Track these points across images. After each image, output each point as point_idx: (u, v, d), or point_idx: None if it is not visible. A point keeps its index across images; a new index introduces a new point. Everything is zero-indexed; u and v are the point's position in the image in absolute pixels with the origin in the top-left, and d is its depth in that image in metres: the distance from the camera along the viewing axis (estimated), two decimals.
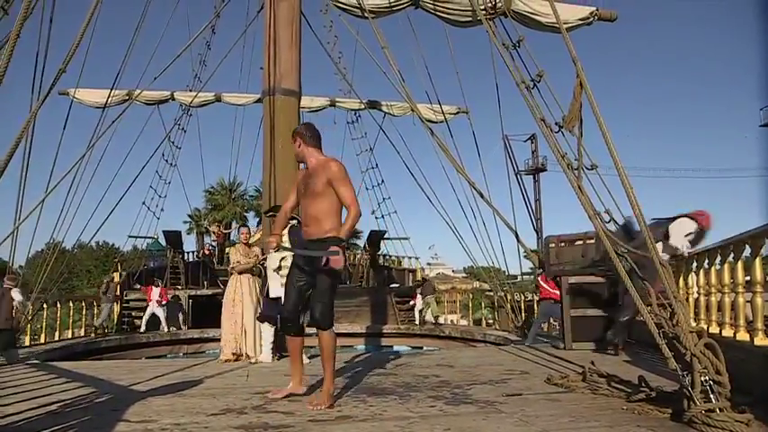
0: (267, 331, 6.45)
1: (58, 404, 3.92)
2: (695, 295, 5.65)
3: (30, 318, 11.69)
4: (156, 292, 15.14)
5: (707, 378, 2.94)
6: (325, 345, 3.73)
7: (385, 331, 15.97)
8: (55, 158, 11.20)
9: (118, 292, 14.42)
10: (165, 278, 17.81)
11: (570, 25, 8.20)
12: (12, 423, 3.31)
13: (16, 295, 9.06)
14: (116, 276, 15.77)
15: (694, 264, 5.94)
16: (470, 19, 8.66)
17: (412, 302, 16.49)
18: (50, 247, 15.18)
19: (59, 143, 11.66)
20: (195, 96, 17.11)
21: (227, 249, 21.66)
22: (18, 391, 4.51)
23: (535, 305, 13.59)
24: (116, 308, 16.15)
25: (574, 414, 3.32)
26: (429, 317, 16.38)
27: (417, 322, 16.09)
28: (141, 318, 15.22)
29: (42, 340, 12.71)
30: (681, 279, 6.15)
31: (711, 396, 2.91)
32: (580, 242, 7.58)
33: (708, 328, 4.80)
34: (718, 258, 4.72)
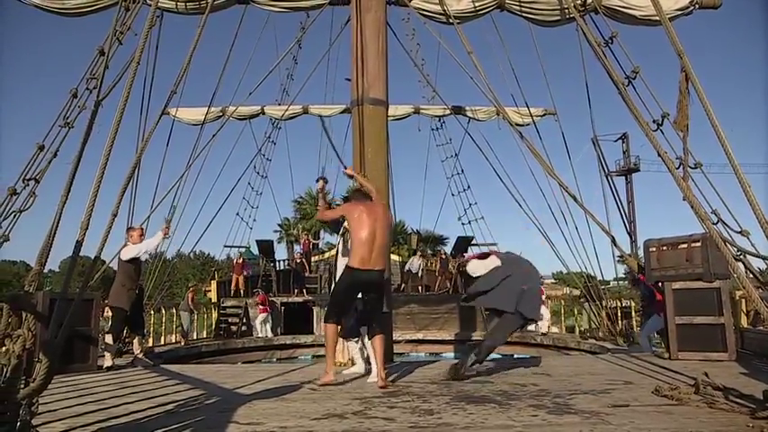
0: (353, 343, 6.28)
1: (173, 404, 4.20)
2: None
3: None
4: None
5: None
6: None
7: (474, 338, 15.76)
8: (159, 176, 12.05)
9: (190, 303, 15.14)
10: (258, 286, 18.58)
11: (668, 16, 7.76)
12: (136, 420, 3.58)
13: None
14: (192, 287, 16.56)
15: None
16: (558, 18, 8.42)
17: None
18: (154, 257, 16.31)
19: (163, 161, 12.52)
20: (285, 110, 17.75)
21: (313, 258, 22.26)
22: (138, 391, 4.87)
23: (633, 312, 12.94)
24: (214, 314, 17.10)
25: (691, 429, 3.12)
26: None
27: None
28: (237, 324, 16.00)
29: (150, 344, 13.63)
30: None
31: None
32: (684, 245, 7.12)
33: None
34: None
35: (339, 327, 5.27)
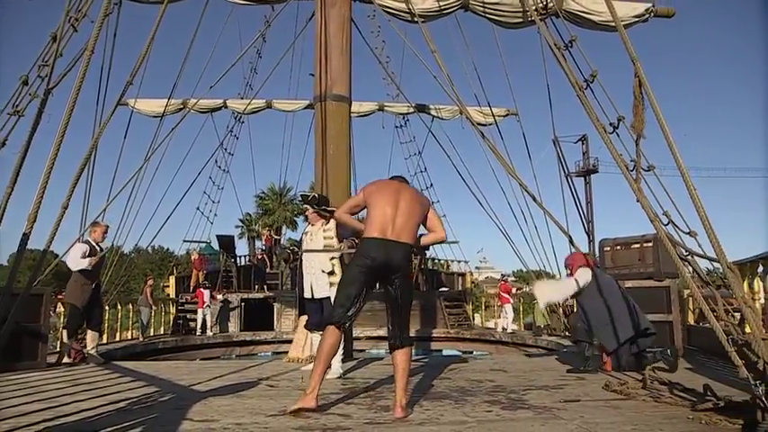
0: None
1: (126, 402, 4.10)
2: (762, 300, 5.43)
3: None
4: (206, 296, 15.55)
5: None
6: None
7: (434, 335, 15.90)
8: (116, 168, 11.74)
9: (149, 297, 14.77)
10: (217, 282, 18.28)
11: (625, 23, 7.98)
12: (86, 418, 3.49)
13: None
14: (150, 281, 16.16)
15: (760, 268, 5.70)
16: (521, 20, 8.57)
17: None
18: (111, 251, 15.86)
19: (120, 153, 12.22)
20: (248, 104, 17.51)
21: (276, 253, 22.07)
22: (89, 389, 4.74)
23: None
24: (172, 310, 16.75)
25: (636, 422, 3.23)
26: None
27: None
28: (195, 320, 15.70)
29: (105, 340, 13.27)
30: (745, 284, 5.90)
31: None
32: (637, 245, 7.36)
33: None
34: None
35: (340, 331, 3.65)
